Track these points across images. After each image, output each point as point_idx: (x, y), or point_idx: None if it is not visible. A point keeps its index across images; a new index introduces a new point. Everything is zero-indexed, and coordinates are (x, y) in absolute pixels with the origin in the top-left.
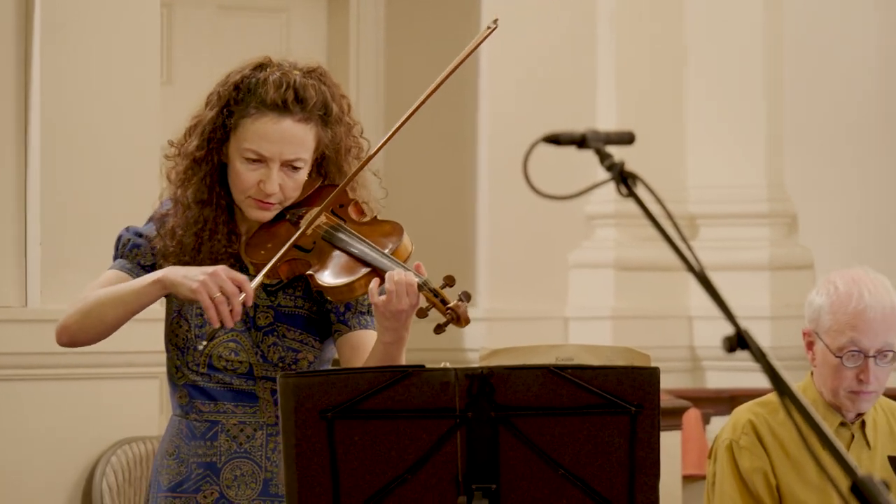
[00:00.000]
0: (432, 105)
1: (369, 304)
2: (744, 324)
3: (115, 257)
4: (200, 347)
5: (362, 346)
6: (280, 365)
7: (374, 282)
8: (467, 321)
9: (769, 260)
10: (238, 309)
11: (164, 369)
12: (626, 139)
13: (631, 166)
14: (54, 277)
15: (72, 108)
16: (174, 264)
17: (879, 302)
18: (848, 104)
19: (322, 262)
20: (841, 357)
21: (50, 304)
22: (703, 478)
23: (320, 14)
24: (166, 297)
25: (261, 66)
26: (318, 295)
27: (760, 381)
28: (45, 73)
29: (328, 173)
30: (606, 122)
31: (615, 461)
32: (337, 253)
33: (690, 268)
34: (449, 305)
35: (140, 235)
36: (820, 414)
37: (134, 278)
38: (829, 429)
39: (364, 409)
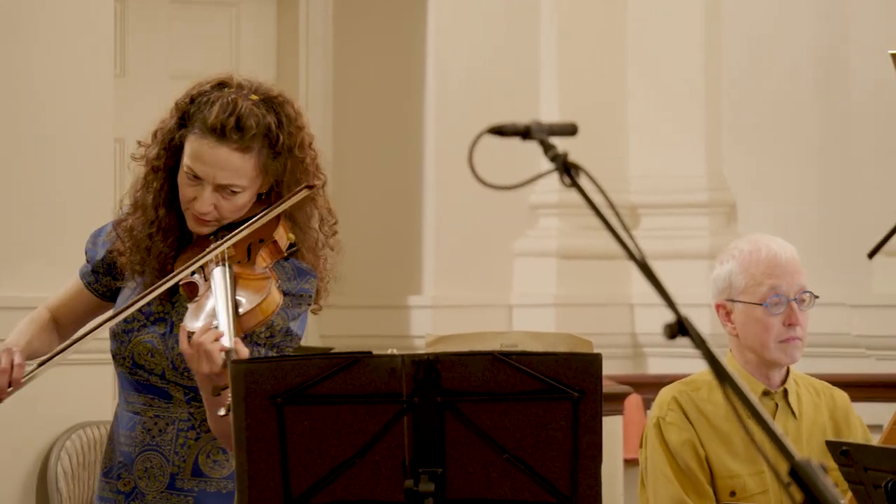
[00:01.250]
0: (380, 98)
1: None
2: (684, 311)
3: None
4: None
5: None
6: (186, 374)
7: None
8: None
9: (709, 249)
10: (3, 385)
11: None
12: (569, 130)
13: (574, 157)
14: (7, 267)
15: (25, 101)
16: (127, 261)
17: (784, 249)
18: (785, 96)
19: (202, 294)
20: (766, 304)
21: (3, 293)
22: None
23: (270, 9)
24: (115, 287)
25: (221, 85)
26: None
27: (700, 367)
28: None
29: (275, 201)
30: (549, 114)
31: (558, 445)
32: (209, 290)
33: (632, 256)
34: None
35: (97, 236)
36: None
37: (84, 285)
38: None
39: (313, 395)
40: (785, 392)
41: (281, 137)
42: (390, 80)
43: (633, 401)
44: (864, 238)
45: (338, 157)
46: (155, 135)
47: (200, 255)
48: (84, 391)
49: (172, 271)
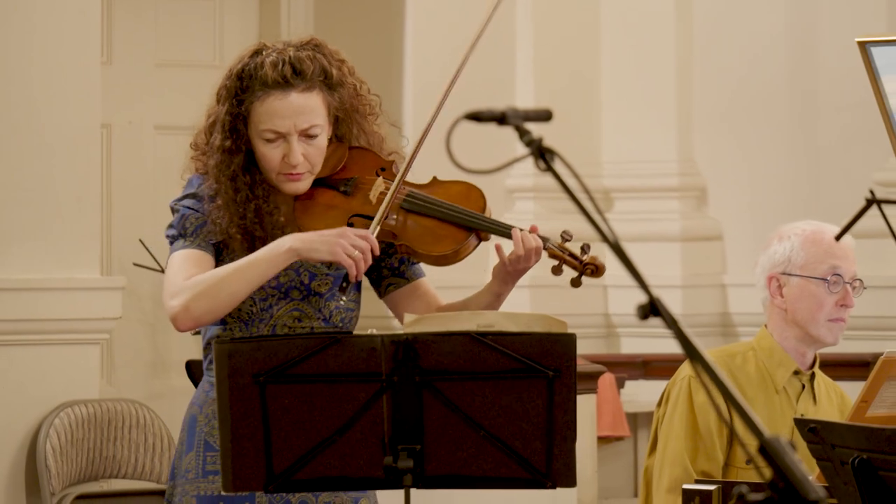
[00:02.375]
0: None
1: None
2: (656, 292)
3: (180, 234)
4: (342, 303)
5: (427, 292)
6: (340, 325)
7: (500, 245)
8: (604, 269)
9: (680, 231)
10: (369, 260)
11: (105, 336)
12: (544, 116)
13: (549, 142)
14: None
15: (15, 88)
16: (235, 243)
17: (845, 235)
18: (755, 83)
19: (409, 232)
20: (827, 281)
21: None
22: (618, 439)
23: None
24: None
25: (257, 52)
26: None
27: (672, 346)
28: None
29: (344, 136)
30: (525, 101)
31: (534, 423)
32: (424, 220)
33: (605, 239)
34: (586, 261)
35: (199, 211)
36: (777, 361)
37: (210, 255)
38: (739, 393)
39: (295, 374)
40: (812, 376)
41: (333, 71)
42: (370, 67)
43: (607, 379)
44: (831, 221)
45: None
46: (210, 127)
47: (392, 188)
48: (71, 370)
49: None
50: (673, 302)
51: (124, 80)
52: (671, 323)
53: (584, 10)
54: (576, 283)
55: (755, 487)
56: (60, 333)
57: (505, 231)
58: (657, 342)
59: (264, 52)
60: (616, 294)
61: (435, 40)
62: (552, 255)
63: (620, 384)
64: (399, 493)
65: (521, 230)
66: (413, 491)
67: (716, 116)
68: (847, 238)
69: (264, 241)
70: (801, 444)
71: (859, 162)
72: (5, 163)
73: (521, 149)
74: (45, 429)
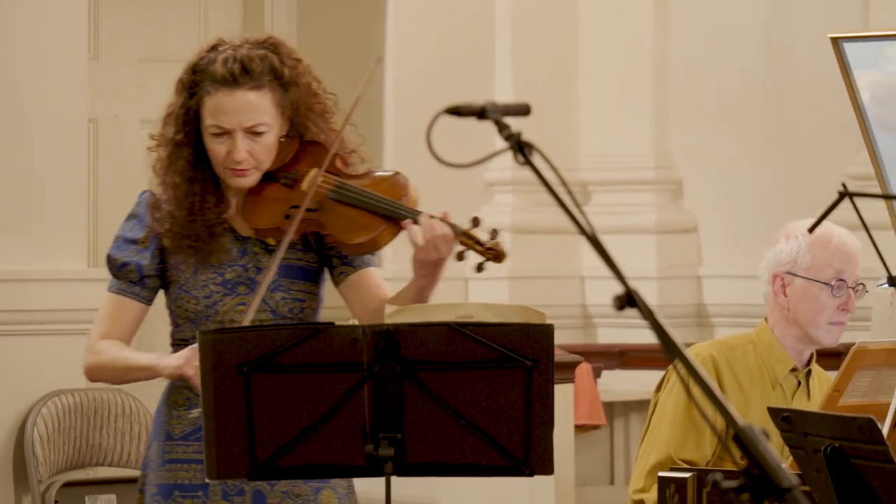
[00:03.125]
0: (342, 79)
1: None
2: (632, 283)
3: (110, 272)
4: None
5: (371, 282)
6: (289, 316)
7: (412, 230)
8: (505, 256)
9: (656, 224)
10: None
11: (91, 326)
12: (523, 111)
13: (527, 136)
14: None
15: (2, 83)
16: (173, 242)
17: (852, 239)
18: (730, 78)
19: (334, 220)
20: (831, 286)
21: None
22: (595, 427)
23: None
24: (165, 282)
25: (213, 48)
26: (316, 245)
27: (648, 337)
28: None
29: (302, 132)
30: (504, 95)
31: (512, 412)
32: (348, 209)
33: (583, 231)
34: (488, 246)
35: (130, 242)
36: (774, 357)
37: (133, 298)
38: (713, 382)
39: (278, 364)
40: (808, 373)
41: (286, 70)
42: (352, 63)
43: (584, 369)
44: (804, 214)
45: None
46: (166, 118)
47: (313, 176)
48: (58, 360)
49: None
50: (649, 293)
51: (110, 75)
52: (647, 314)
53: (562, 6)
54: (479, 268)
55: (729, 475)
56: (48, 324)
57: (415, 217)
58: (633, 332)
59: (220, 48)
60: (593, 285)
61: (416, 36)
62: (461, 242)
63: (597, 374)
64: (380, 481)
65: (432, 217)
66: (394, 478)
67: (691, 111)
68: (853, 240)
69: (199, 239)
70: (775, 432)
71: (832, 155)
72: None
73: (500, 143)
74: (32, 417)
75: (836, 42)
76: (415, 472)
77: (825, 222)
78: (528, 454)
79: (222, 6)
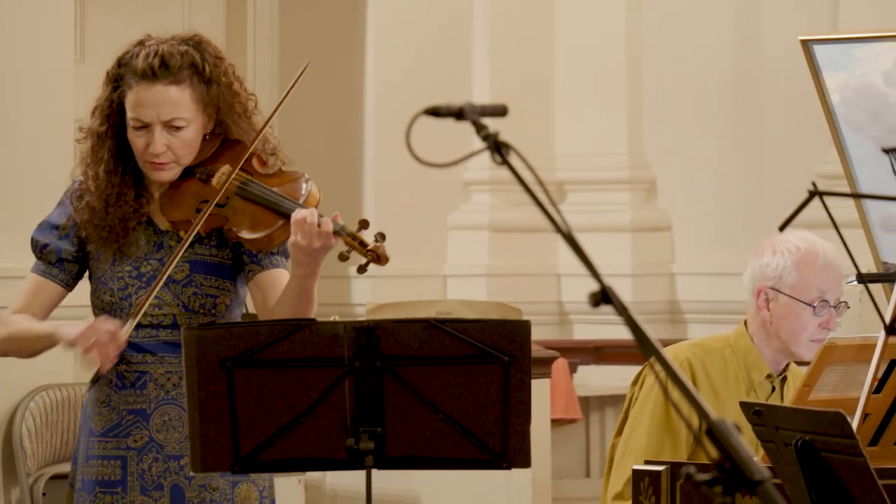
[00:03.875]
0: (323, 83)
1: (279, 245)
2: (607, 281)
3: (34, 253)
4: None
5: (275, 284)
6: (201, 311)
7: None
8: (387, 259)
9: (630, 222)
10: (112, 354)
11: (76, 322)
12: (500, 111)
13: (504, 136)
14: None
15: None
16: (90, 232)
17: (837, 259)
18: (703, 79)
19: (238, 216)
20: (814, 307)
21: None
22: (571, 422)
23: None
24: (89, 267)
25: (140, 43)
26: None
27: (623, 333)
28: None
29: (227, 131)
30: (481, 96)
31: (490, 406)
32: (251, 206)
33: (559, 229)
34: (369, 248)
35: (53, 227)
36: (751, 362)
37: (51, 280)
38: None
39: (260, 359)
40: (783, 379)
41: (207, 67)
42: (333, 68)
43: (560, 364)
44: (775, 212)
45: (282, 138)
46: (94, 111)
47: (226, 174)
48: (46, 355)
49: (144, 225)
50: (623, 290)
51: (97, 77)
52: (622, 310)
53: (538, 9)
54: (360, 269)
55: (702, 468)
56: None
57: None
58: (608, 329)
59: (146, 43)
60: (569, 282)
61: (396, 37)
62: (344, 242)
63: (573, 369)
64: (361, 474)
65: (321, 216)
66: (374, 471)
67: (665, 111)
68: (839, 260)
69: (113, 231)
70: (748, 427)
71: (802, 155)
72: None
73: (478, 143)
74: (20, 412)
75: (806, 44)
76: (395, 466)
77: (811, 236)
78: (505, 447)
79: (206, 8)
